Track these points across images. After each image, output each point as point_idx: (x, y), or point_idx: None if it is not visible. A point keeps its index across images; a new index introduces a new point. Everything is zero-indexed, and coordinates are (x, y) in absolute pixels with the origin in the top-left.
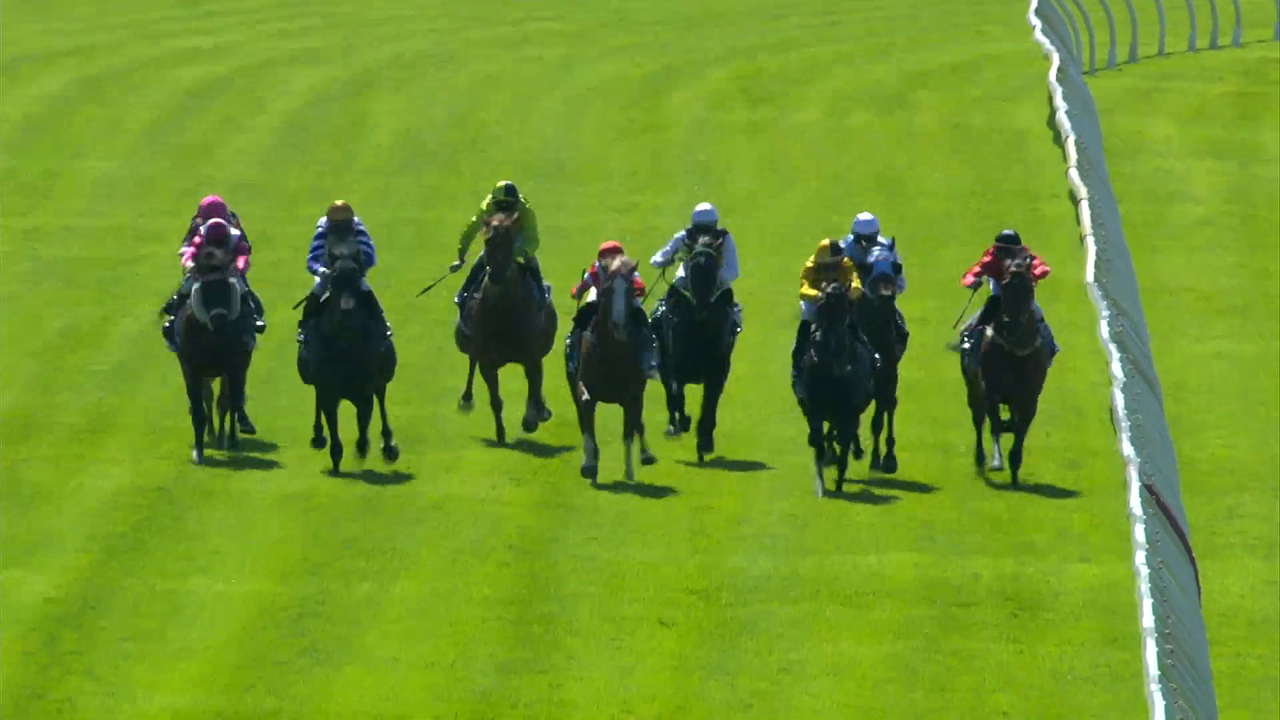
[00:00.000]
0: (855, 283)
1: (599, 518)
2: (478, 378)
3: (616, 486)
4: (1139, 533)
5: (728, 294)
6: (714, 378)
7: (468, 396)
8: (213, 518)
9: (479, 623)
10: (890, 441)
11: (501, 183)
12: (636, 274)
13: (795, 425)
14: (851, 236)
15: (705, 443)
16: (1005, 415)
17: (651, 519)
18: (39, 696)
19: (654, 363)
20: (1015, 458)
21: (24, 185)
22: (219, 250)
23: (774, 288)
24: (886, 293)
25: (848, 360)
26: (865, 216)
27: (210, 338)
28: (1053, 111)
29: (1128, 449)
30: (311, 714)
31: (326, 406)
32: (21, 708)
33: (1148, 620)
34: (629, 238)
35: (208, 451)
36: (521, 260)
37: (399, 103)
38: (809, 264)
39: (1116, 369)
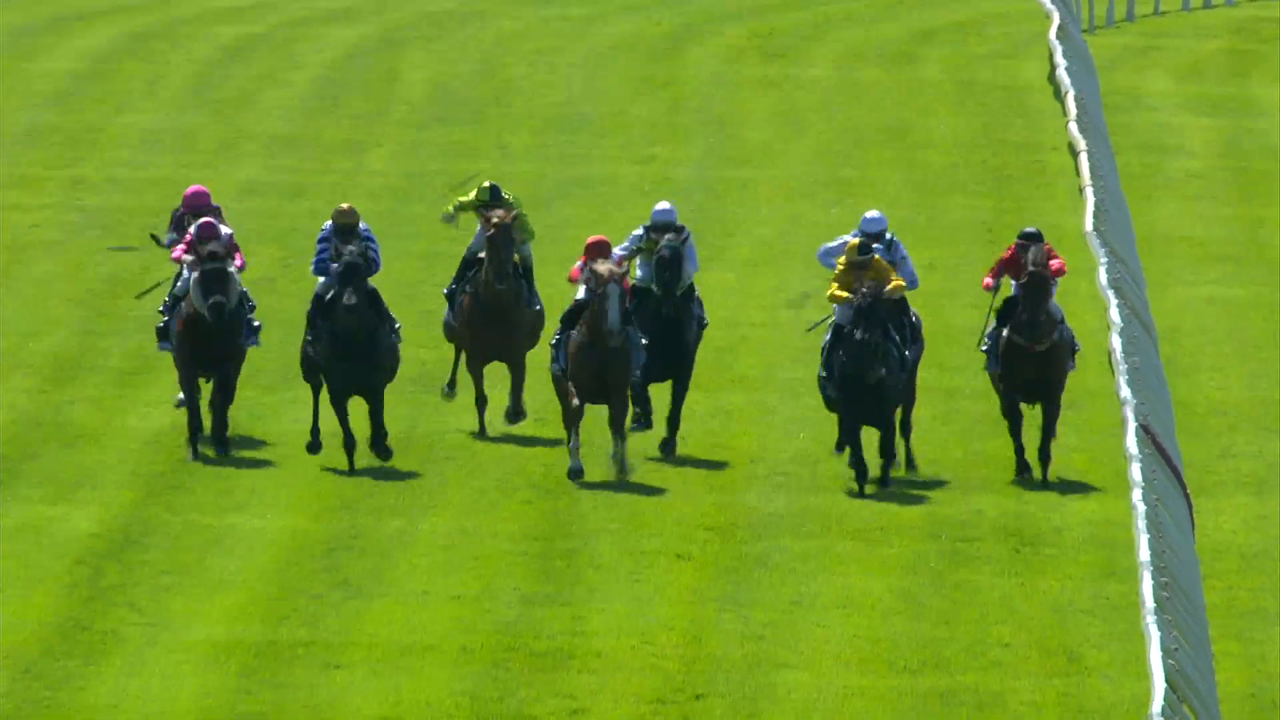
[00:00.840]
0: (894, 279)
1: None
2: (462, 369)
3: (633, 429)
4: (1135, 471)
5: (691, 289)
6: (681, 376)
7: (452, 385)
8: (249, 457)
9: (504, 557)
10: (906, 441)
11: (486, 183)
12: (626, 276)
13: (806, 368)
14: (858, 232)
15: (670, 441)
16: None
17: (669, 458)
18: (84, 628)
19: (640, 362)
20: (1044, 455)
21: (70, 138)
22: (217, 246)
23: (786, 236)
24: (883, 315)
25: (881, 364)
26: (873, 214)
27: (208, 331)
28: (1053, 68)
29: (1125, 391)
30: (344, 644)
31: (336, 404)
32: (67, 637)
33: (1144, 554)
34: (648, 187)
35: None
36: (517, 258)
37: (428, 58)
38: (839, 264)
39: (1114, 314)
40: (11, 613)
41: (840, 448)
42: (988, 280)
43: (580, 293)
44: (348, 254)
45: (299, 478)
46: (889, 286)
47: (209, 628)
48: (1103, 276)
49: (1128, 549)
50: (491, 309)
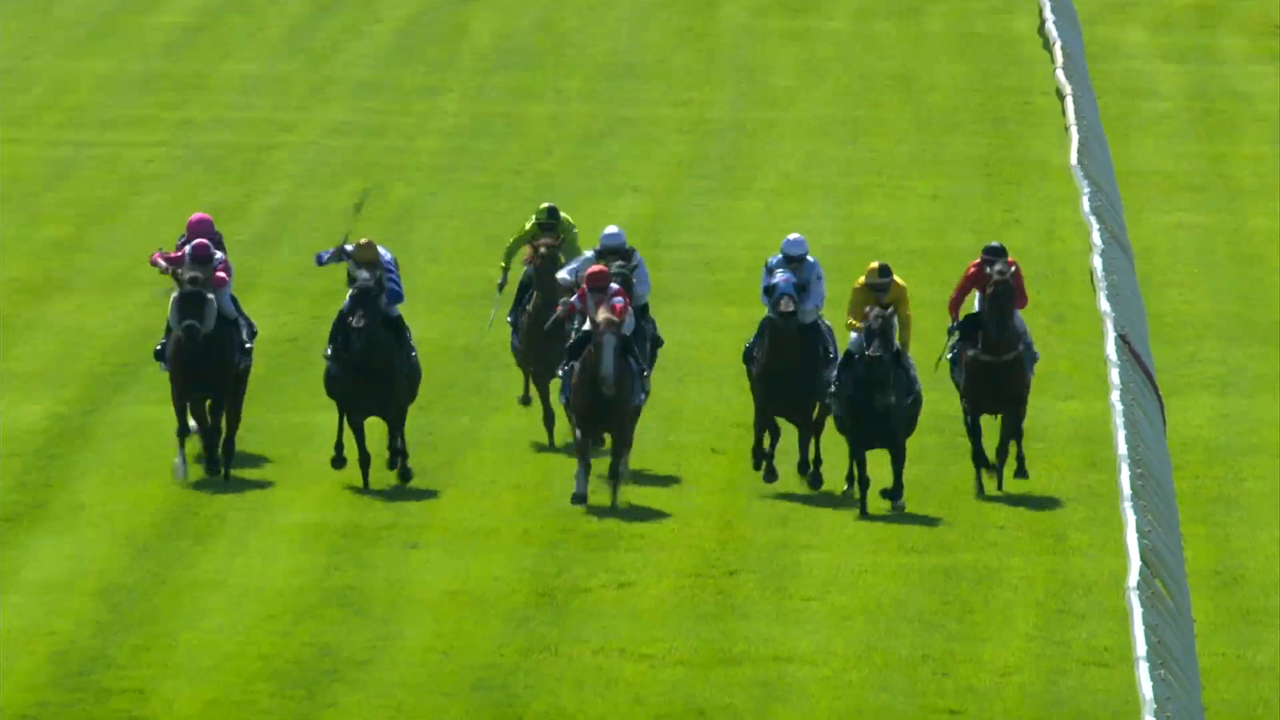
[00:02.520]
0: (906, 308)
1: (661, 362)
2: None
3: (674, 340)
4: (1114, 375)
5: (644, 309)
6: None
7: (526, 399)
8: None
9: (559, 453)
10: (817, 460)
11: (544, 205)
12: (619, 300)
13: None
14: (780, 256)
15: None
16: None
17: (705, 364)
18: (193, 513)
19: (644, 394)
20: (1002, 455)
21: (178, 83)
22: (200, 273)
23: (807, 170)
24: (788, 309)
25: (890, 390)
26: (794, 237)
27: (193, 352)
28: (1042, 21)
29: (1105, 305)
30: (420, 528)
31: (353, 422)
32: (179, 521)
33: (1122, 448)
34: (685, 127)
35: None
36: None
37: (493, 12)
38: (858, 284)
39: (1096, 237)
40: (131, 498)
41: (850, 480)
42: (952, 301)
43: (588, 324)
44: (361, 279)
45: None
46: (900, 315)
47: (302, 513)
48: (1086, 205)
49: (1107, 443)
50: (532, 330)
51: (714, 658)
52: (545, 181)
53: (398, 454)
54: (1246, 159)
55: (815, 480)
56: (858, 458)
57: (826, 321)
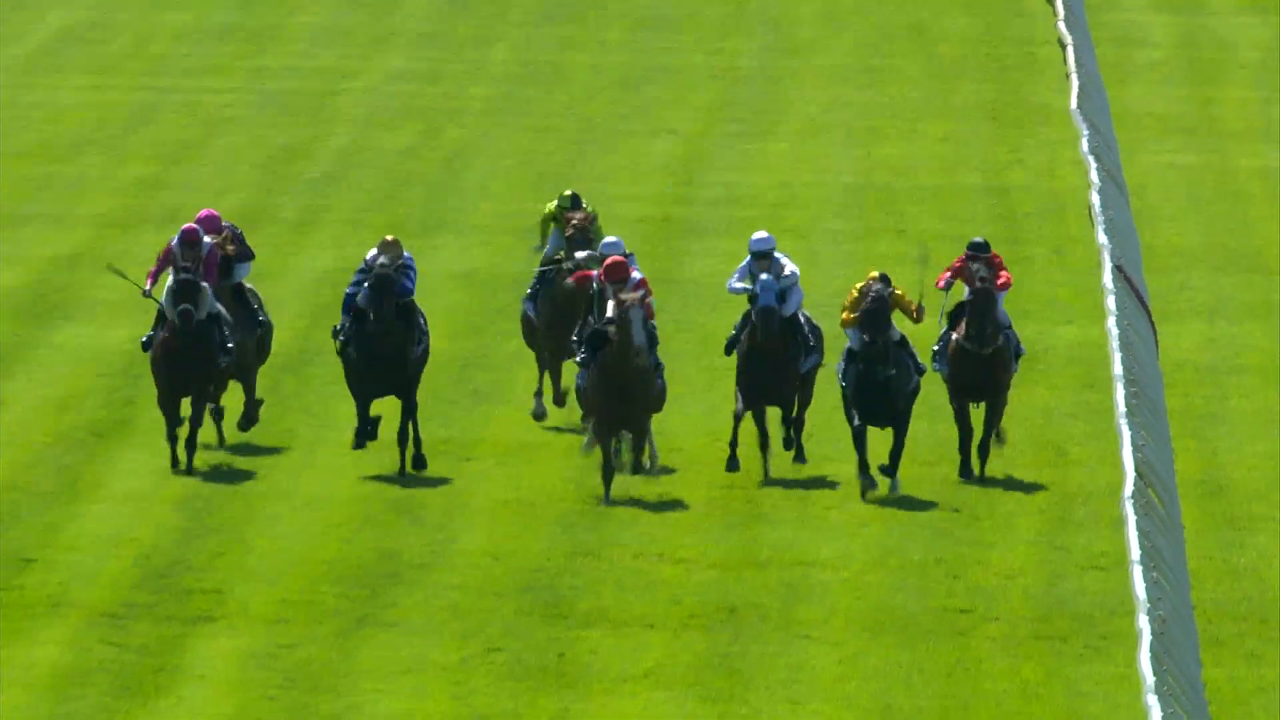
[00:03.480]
0: (900, 291)
1: (698, 289)
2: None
3: (706, 270)
4: (1111, 302)
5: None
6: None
7: (539, 396)
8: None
9: None
10: (799, 434)
11: (566, 192)
12: (650, 299)
13: (847, 220)
14: (748, 259)
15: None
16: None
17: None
18: (266, 428)
19: (660, 381)
20: (984, 449)
21: (252, 34)
22: (191, 262)
23: (828, 113)
24: (775, 326)
25: (892, 365)
26: (760, 234)
27: (180, 344)
28: None
29: (1102, 237)
30: (475, 441)
31: (361, 402)
32: (251, 435)
33: (1117, 369)
34: (716, 74)
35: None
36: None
37: None
38: (854, 291)
39: (1094, 175)
40: (164, 462)
41: (860, 471)
42: (940, 282)
43: (610, 311)
44: (379, 266)
45: (438, 305)
46: (899, 295)
47: (336, 484)
48: (1084, 145)
49: (1104, 365)
50: (567, 311)
51: (744, 561)
52: (587, 124)
53: (412, 442)
54: (1232, 103)
55: (799, 455)
56: (860, 437)
57: (805, 312)
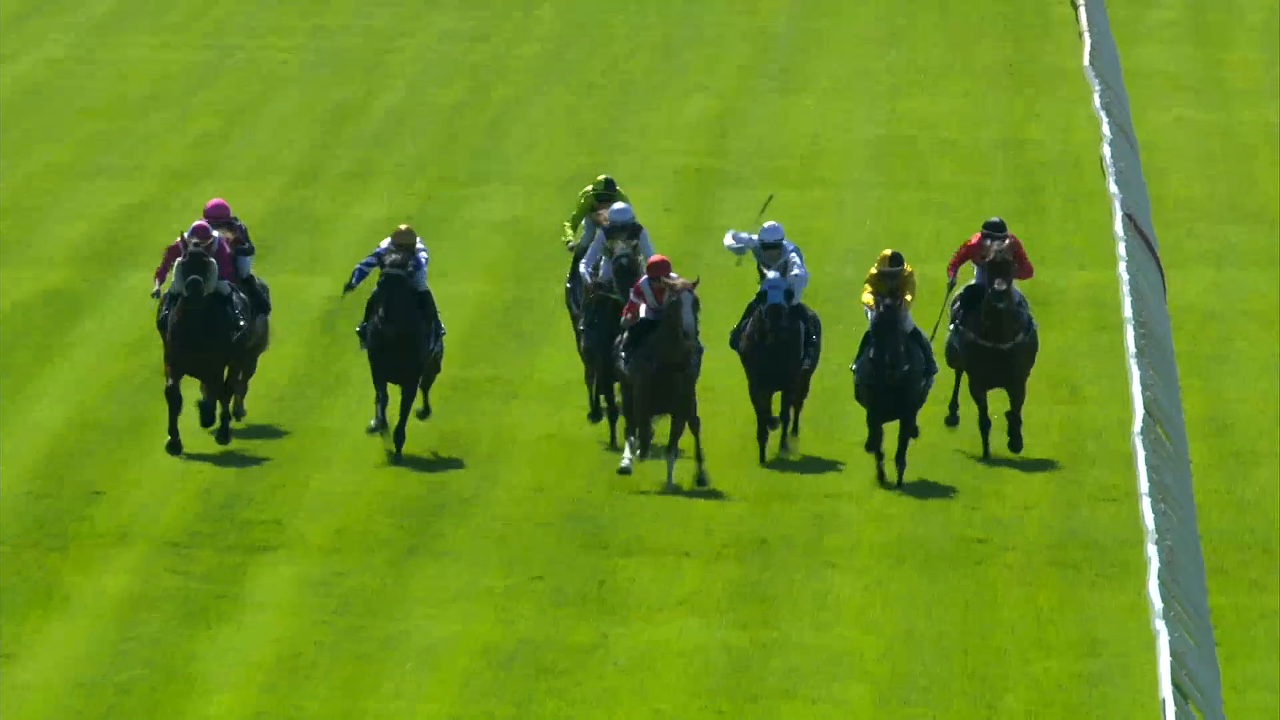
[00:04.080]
0: (908, 295)
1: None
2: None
3: (738, 219)
4: (1121, 249)
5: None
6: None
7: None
8: (448, 234)
9: None
10: (795, 427)
11: (601, 176)
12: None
13: (875, 172)
14: (755, 240)
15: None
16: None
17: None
18: (323, 369)
19: (697, 364)
20: (1014, 421)
21: None
22: (199, 240)
23: (854, 72)
24: (784, 323)
25: (903, 364)
26: (770, 224)
27: (191, 318)
28: None
29: (1114, 188)
30: (521, 380)
31: (379, 386)
32: (308, 376)
33: (1128, 312)
34: (749, 35)
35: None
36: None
37: None
38: (872, 271)
39: (1105, 130)
40: (267, 357)
41: (869, 446)
42: (950, 269)
43: (643, 310)
44: (390, 265)
45: (485, 254)
46: (905, 299)
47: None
48: (1096, 100)
49: (1115, 308)
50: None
51: (773, 494)
52: (628, 82)
53: (406, 414)
54: (1237, 63)
55: (791, 439)
56: (874, 426)
57: (811, 309)
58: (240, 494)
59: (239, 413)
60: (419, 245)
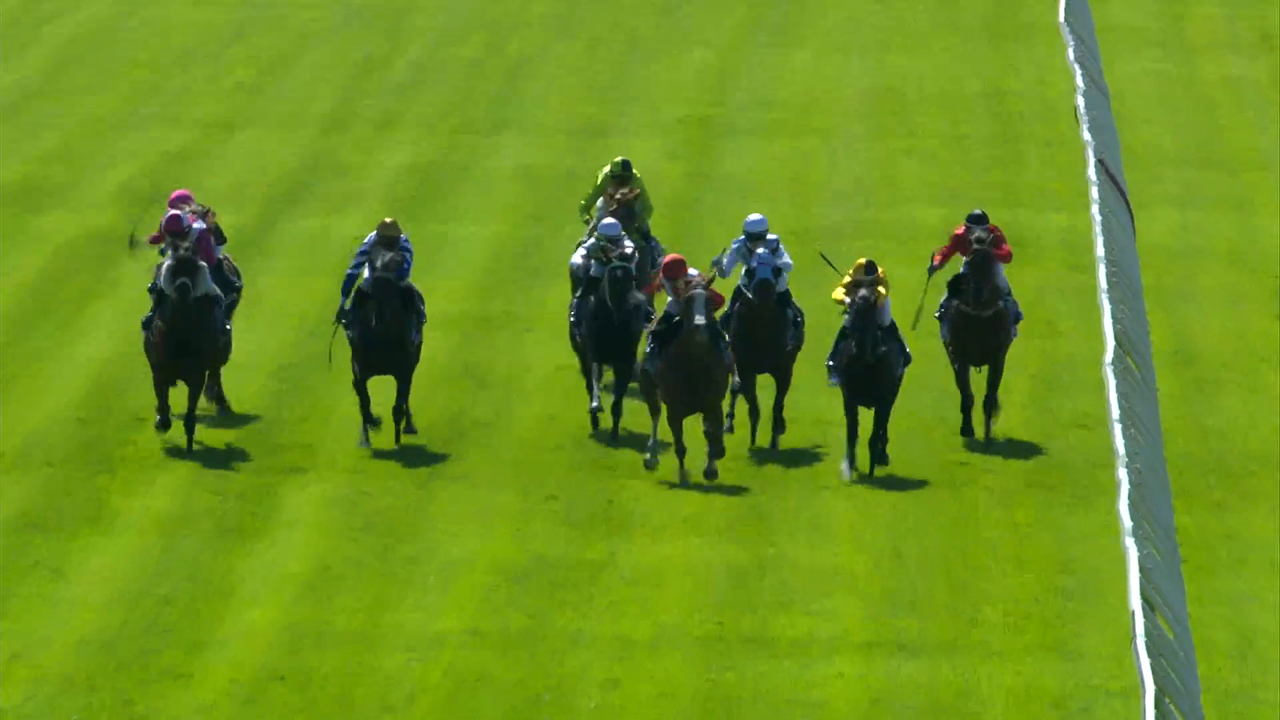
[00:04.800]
0: (883, 290)
1: (728, 183)
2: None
3: (737, 165)
4: (1094, 192)
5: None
6: (625, 367)
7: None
8: (467, 179)
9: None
10: (781, 420)
11: (618, 158)
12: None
13: (863, 122)
14: (741, 238)
15: (617, 414)
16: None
17: (761, 182)
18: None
19: (728, 362)
20: (989, 405)
21: None
22: (184, 242)
23: (844, 30)
24: (772, 298)
25: (880, 346)
26: (754, 217)
27: (178, 321)
28: None
29: (1086, 136)
30: (534, 315)
31: (360, 383)
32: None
33: (1100, 251)
34: None
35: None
36: (638, 230)
37: None
38: (848, 278)
39: (1079, 81)
40: (300, 295)
41: (849, 440)
42: (936, 260)
43: (669, 305)
44: (381, 267)
45: (501, 198)
46: (881, 294)
47: (436, 303)
48: (1071, 54)
49: (1088, 248)
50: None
51: (769, 422)
52: (633, 36)
53: (402, 414)
54: (1199, 18)
55: (778, 428)
56: (851, 413)
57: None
58: (274, 419)
59: (223, 410)
60: (403, 238)
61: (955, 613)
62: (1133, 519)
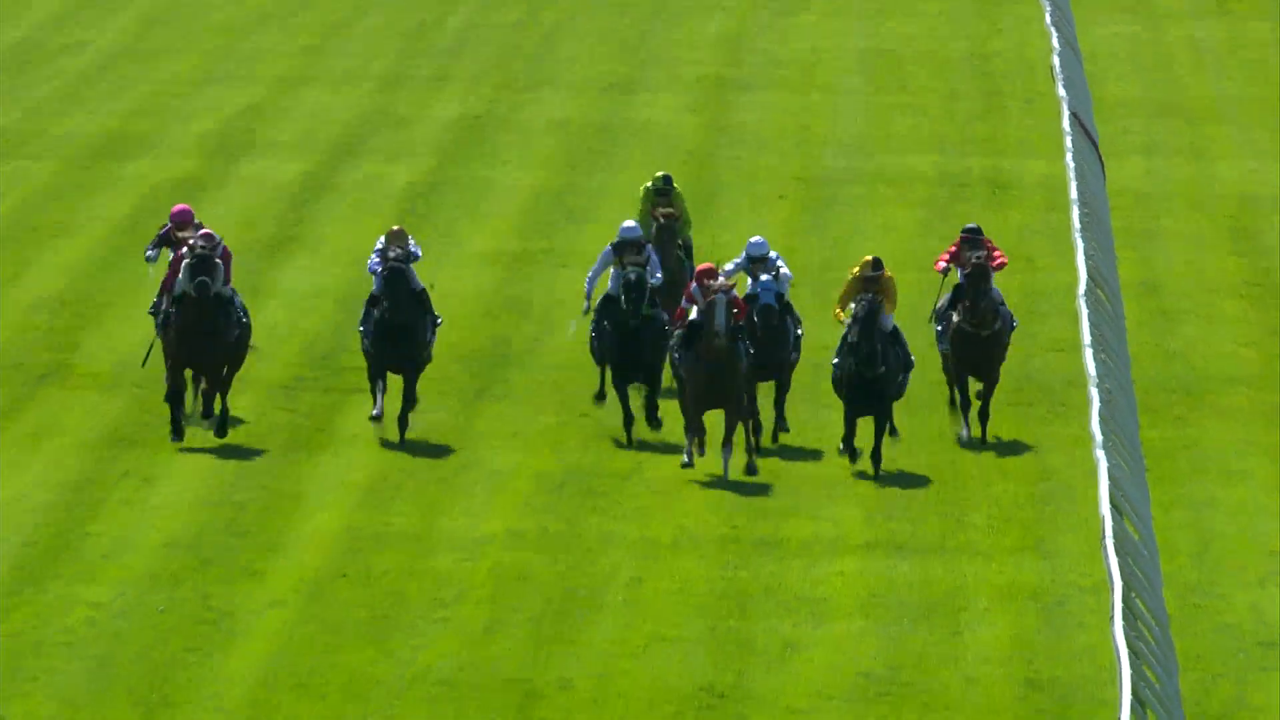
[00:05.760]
0: (891, 300)
1: (744, 133)
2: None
3: (750, 116)
4: (1068, 141)
5: (655, 303)
6: (648, 378)
7: (602, 396)
8: (510, 130)
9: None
10: (783, 419)
11: (659, 174)
12: (734, 293)
13: (862, 78)
14: (744, 257)
15: (654, 420)
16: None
17: (769, 133)
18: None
19: (747, 363)
20: (983, 415)
21: None
22: (186, 233)
23: None
24: (775, 322)
25: (880, 364)
26: (756, 239)
27: (195, 316)
28: None
29: (1062, 91)
30: (570, 251)
31: (376, 377)
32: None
33: (1074, 194)
34: None
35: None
36: (680, 245)
37: None
38: (852, 273)
39: (1055, 43)
40: (360, 232)
41: (844, 444)
42: (939, 265)
43: (694, 314)
44: (392, 259)
45: (540, 148)
46: (886, 303)
47: (486, 242)
48: (1048, 18)
49: (1063, 191)
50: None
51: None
52: (658, 3)
53: (407, 423)
54: None
55: (781, 427)
56: (849, 421)
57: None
58: (338, 345)
59: (224, 412)
60: (411, 243)
61: (944, 517)
62: (1103, 433)
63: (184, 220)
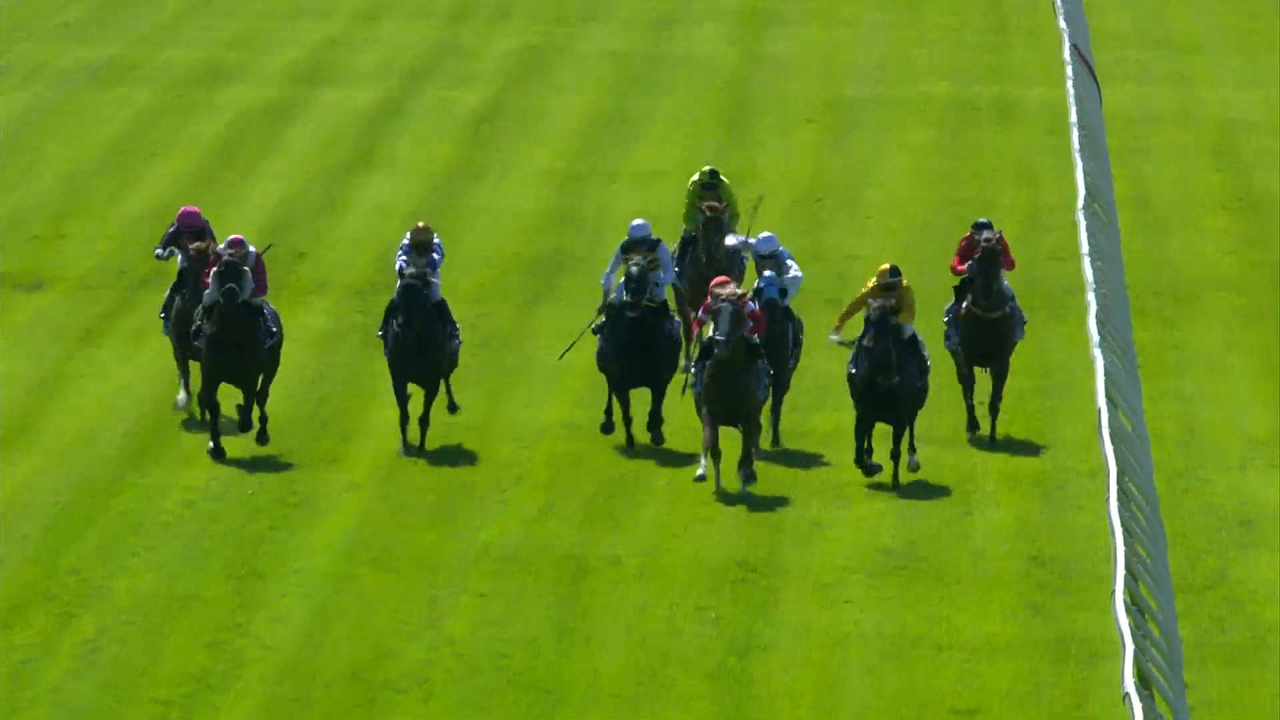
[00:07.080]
0: (908, 311)
1: (754, 104)
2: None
3: (766, 85)
4: (1069, 70)
5: (664, 304)
6: (655, 382)
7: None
8: (563, 63)
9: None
10: (775, 425)
11: (706, 167)
12: (752, 304)
13: (881, 54)
14: (756, 252)
15: (657, 436)
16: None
17: (780, 103)
18: (462, 167)
19: (765, 384)
20: (994, 410)
21: None
22: (234, 252)
23: None
24: (778, 316)
25: (896, 372)
26: (764, 234)
27: (226, 325)
28: None
29: (1062, 24)
30: (616, 169)
31: (398, 391)
32: (452, 167)
33: (1073, 118)
34: None
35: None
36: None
37: None
38: (869, 285)
39: (1062, 22)
40: (428, 151)
41: (857, 458)
42: (958, 266)
43: (710, 329)
44: (409, 275)
45: (591, 76)
46: (903, 313)
47: (544, 160)
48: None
49: (1064, 115)
50: (695, 284)
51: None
52: None
53: (428, 423)
54: None
55: (775, 439)
56: (863, 429)
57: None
58: (381, 283)
59: (263, 420)
60: (435, 241)
61: (954, 408)
62: (1099, 333)
63: (190, 222)
